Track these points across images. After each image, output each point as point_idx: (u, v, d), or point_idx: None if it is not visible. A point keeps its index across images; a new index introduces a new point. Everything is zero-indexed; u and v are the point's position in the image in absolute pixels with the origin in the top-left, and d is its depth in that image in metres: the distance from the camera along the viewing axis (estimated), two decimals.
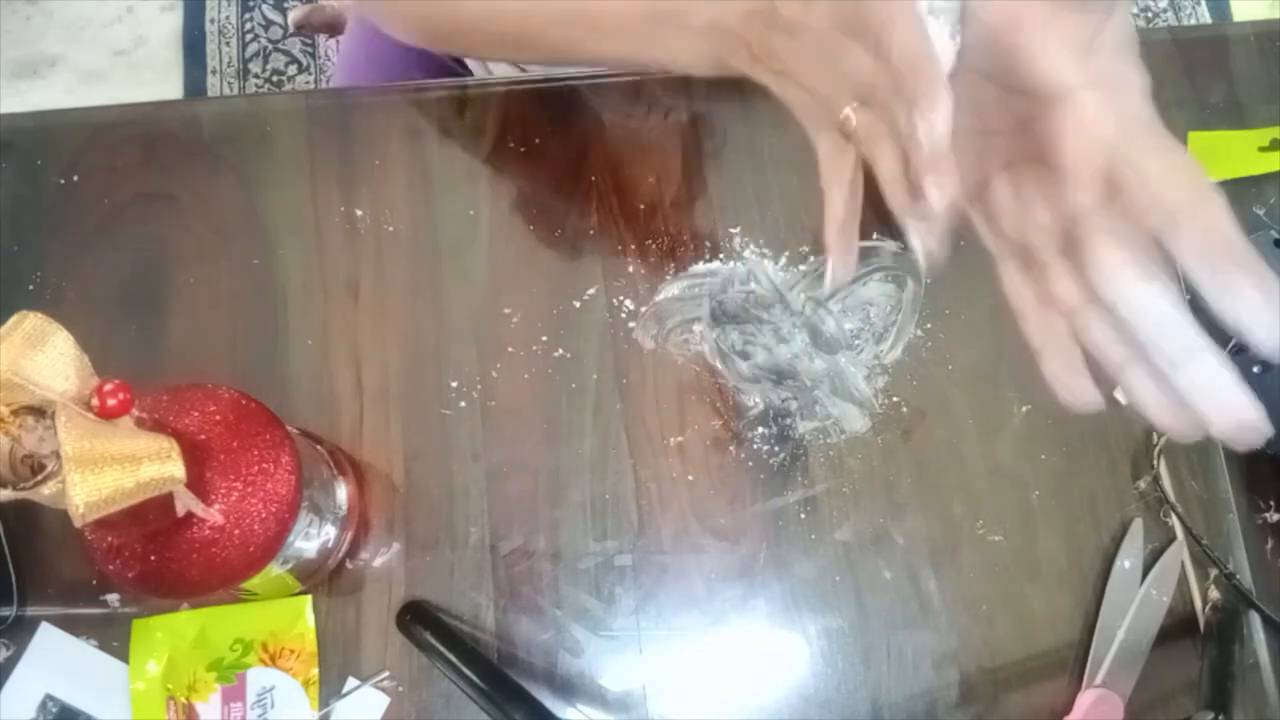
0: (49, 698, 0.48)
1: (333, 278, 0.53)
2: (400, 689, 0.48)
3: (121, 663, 0.48)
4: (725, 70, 0.37)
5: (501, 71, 0.65)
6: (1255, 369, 0.50)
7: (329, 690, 0.48)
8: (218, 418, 0.40)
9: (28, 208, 0.54)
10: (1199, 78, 0.58)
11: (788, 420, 0.52)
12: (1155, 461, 0.51)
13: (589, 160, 0.55)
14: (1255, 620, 0.50)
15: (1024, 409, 0.52)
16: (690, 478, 0.51)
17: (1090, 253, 0.31)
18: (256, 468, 0.40)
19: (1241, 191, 0.56)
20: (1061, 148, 0.31)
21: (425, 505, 0.51)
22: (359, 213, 0.54)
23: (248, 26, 1.44)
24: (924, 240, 0.32)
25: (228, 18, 1.44)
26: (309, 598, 0.49)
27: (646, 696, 0.49)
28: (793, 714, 0.49)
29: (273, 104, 0.57)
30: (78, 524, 0.31)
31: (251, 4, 1.45)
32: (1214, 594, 0.50)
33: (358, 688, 0.48)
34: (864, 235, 0.54)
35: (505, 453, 0.51)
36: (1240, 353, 0.51)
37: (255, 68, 1.43)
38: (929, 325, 0.53)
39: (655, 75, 0.56)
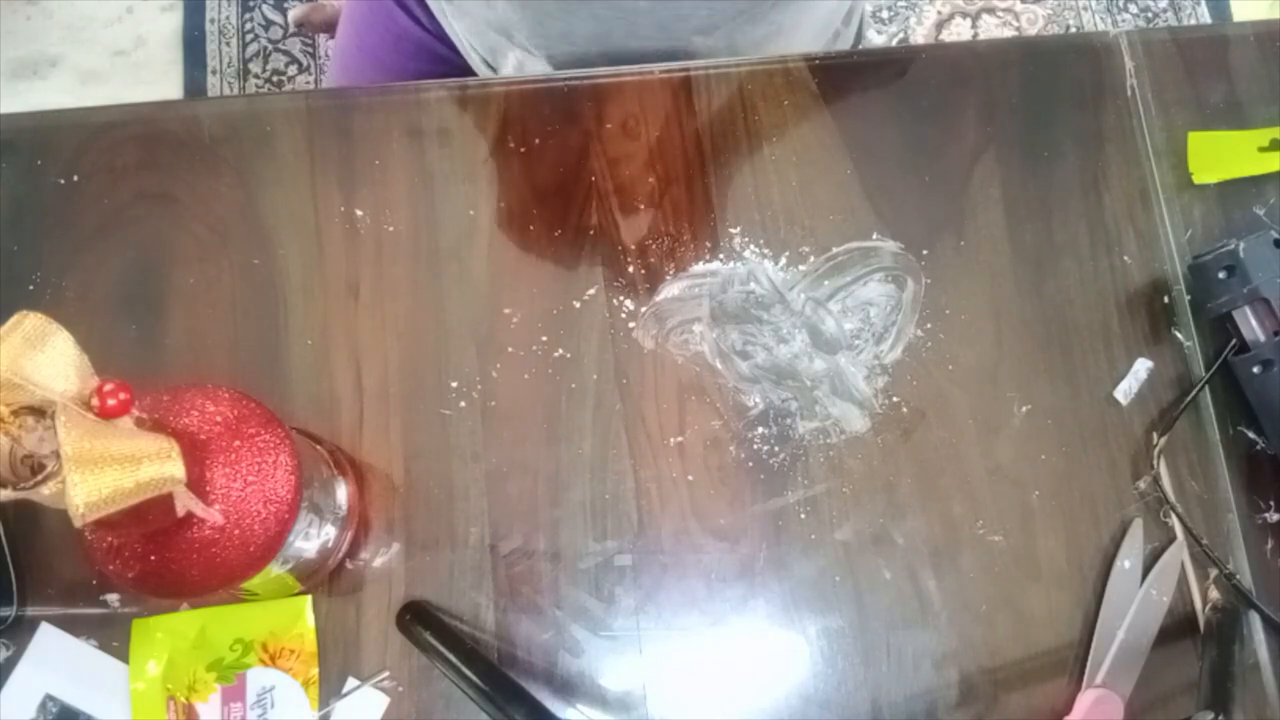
0: (49, 698, 0.48)
1: (333, 278, 0.53)
2: (400, 689, 0.48)
3: (121, 663, 0.48)
4: None
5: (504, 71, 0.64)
6: (1255, 369, 0.50)
7: (329, 690, 0.48)
8: (218, 418, 0.40)
9: (28, 208, 0.54)
10: (1199, 78, 0.58)
11: (788, 420, 0.52)
12: (1155, 461, 0.51)
13: (589, 160, 0.55)
14: (1255, 620, 0.50)
15: (1024, 409, 0.52)
16: (690, 478, 0.51)
17: None
18: (256, 468, 0.40)
19: (1241, 191, 0.56)
20: None
21: (425, 505, 0.51)
22: (359, 213, 0.54)
23: (248, 26, 1.44)
24: None
25: (228, 18, 1.44)
26: (309, 598, 0.49)
27: (646, 696, 0.49)
28: (792, 714, 0.49)
29: (273, 104, 0.57)
30: (78, 524, 0.31)
31: (251, 4, 1.45)
32: (1214, 594, 0.50)
33: (358, 688, 0.48)
34: (864, 235, 0.54)
35: (505, 453, 0.51)
36: (1241, 352, 0.51)
37: (255, 68, 1.43)
38: (929, 325, 0.53)
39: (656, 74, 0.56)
